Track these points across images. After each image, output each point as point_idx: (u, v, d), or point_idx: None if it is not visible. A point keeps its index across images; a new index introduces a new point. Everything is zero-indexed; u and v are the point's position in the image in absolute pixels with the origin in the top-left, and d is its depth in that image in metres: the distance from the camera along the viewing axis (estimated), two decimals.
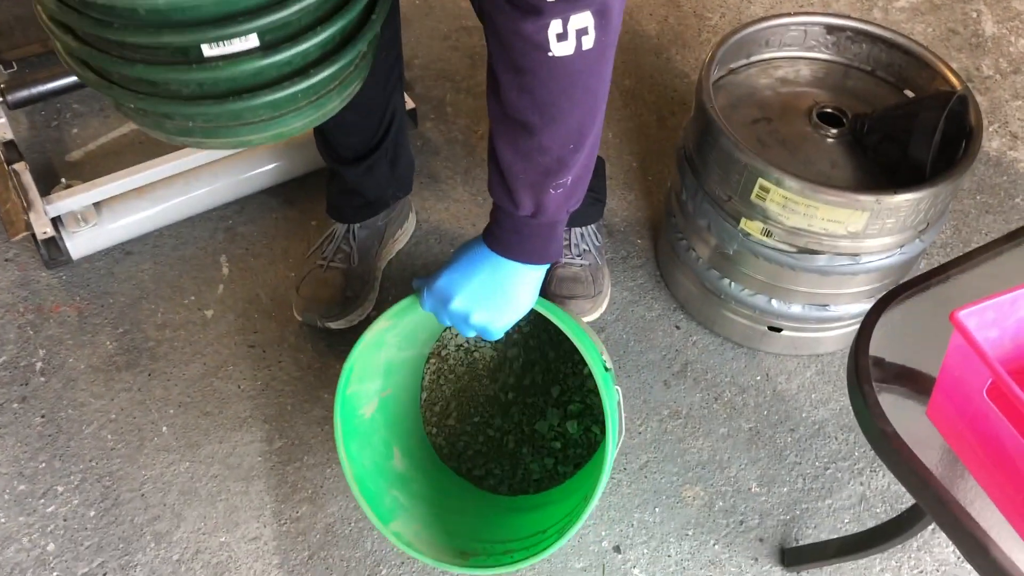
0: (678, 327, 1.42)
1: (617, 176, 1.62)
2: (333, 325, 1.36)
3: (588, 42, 0.75)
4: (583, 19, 0.74)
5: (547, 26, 0.74)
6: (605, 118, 0.96)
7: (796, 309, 1.30)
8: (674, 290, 1.45)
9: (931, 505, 0.74)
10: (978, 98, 1.68)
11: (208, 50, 0.73)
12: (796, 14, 1.34)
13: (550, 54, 0.75)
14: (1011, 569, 0.68)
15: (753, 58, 1.34)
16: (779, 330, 1.34)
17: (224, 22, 0.72)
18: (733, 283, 1.31)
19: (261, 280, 1.46)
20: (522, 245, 0.90)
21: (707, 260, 1.33)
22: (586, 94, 0.80)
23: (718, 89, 1.29)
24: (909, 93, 1.31)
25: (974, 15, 1.99)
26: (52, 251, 1.42)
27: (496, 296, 0.92)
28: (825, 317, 1.31)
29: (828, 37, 1.34)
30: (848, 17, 1.34)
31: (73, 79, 1.45)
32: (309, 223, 1.54)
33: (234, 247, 1.50)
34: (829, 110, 1.27)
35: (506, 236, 0.90)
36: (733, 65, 1.33)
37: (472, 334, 0.96)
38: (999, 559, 0.69)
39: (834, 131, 1.24)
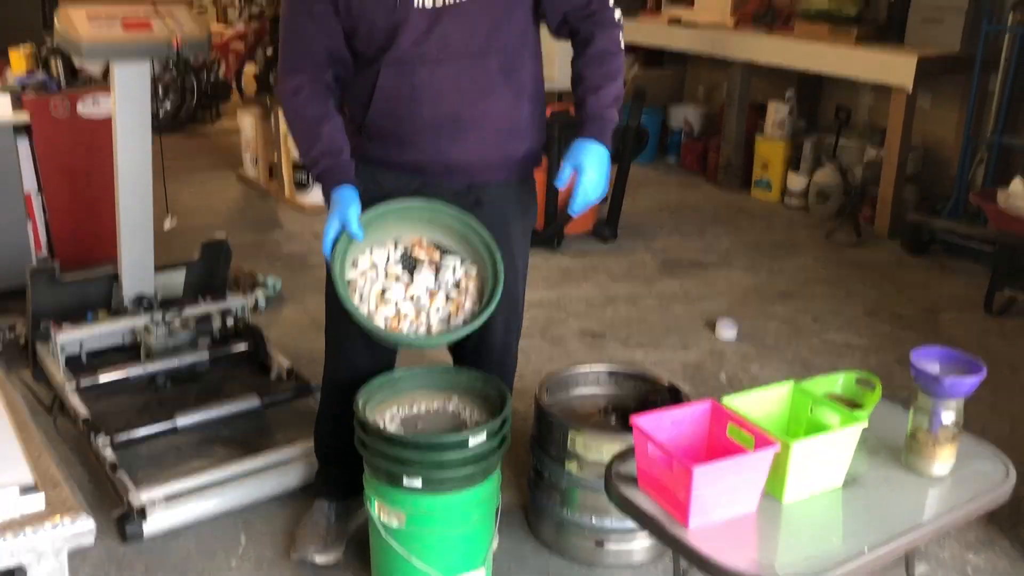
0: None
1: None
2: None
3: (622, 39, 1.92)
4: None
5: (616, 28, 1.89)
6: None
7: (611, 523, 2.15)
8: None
9: (647, 524, 1.58)
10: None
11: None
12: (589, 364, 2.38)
13: (618, 36, 1.90)
14: (682, 537, 1.52)
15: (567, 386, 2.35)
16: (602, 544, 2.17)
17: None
18: (568, 509, 2.17)
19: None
20: (606, 135, 1.85)
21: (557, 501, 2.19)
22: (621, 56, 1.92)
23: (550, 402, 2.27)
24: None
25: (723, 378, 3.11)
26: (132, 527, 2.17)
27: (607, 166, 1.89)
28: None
29: (608, 376, 2.38)
30: (615, 363, 2.39)
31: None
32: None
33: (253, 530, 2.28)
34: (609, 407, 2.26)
35: (603, 133, 1.84)
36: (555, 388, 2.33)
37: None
38: (676, 535, 1.52)
39: (613, 416, 2.22)
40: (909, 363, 1.65)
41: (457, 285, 1.90)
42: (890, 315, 3.76)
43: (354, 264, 1.89)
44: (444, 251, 1.94)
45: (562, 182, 1.84)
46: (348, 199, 1.80)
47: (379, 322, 1.83)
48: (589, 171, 1.83)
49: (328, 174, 1.83)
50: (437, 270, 1.91)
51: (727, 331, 3.51)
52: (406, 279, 1.89)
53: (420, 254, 1.92)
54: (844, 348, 3.45)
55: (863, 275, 4.21)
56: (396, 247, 1.93)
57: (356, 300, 1.85)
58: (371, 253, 1.90)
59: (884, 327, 3.64)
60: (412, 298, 1.87)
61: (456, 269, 1.91)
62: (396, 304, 1.86)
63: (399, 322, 1.85)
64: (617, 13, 1.94)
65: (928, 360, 1.66)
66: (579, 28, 1.92)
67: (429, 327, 1.86)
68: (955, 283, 4.13)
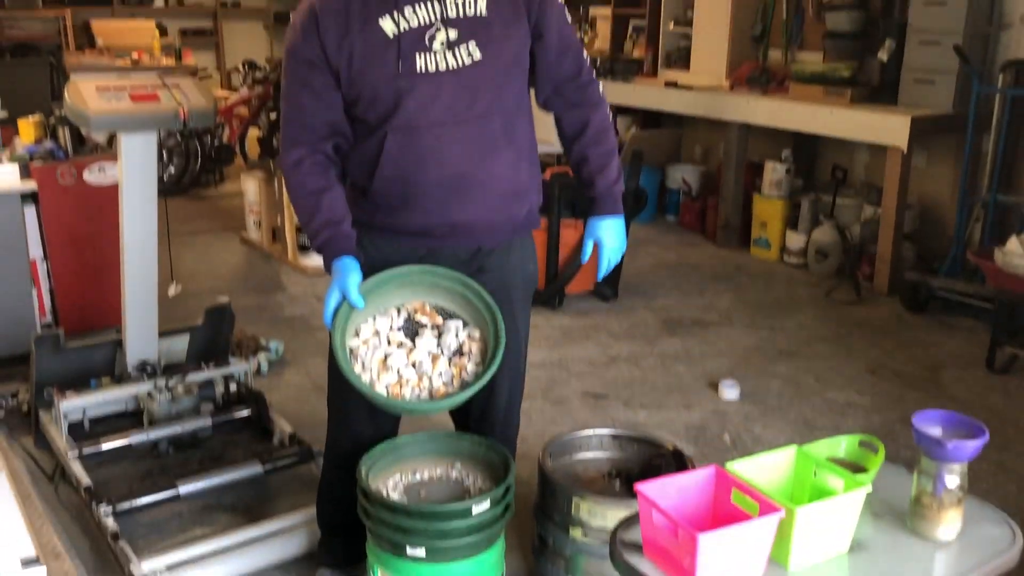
0: None
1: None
2: None
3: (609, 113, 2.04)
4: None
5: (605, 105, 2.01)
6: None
7: None
8: None
9: None
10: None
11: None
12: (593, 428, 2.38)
13: (607, 112, 1.99)
14: None
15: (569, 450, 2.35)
16: None
17: None
18: None
19: None
20: (619, 206, 2.03)
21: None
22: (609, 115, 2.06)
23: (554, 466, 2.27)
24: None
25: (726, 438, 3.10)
26: None
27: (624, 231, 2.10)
28: None
29: (612, 440, 2.37)
30: (618, 427, 2.39)
31: None
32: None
33: None
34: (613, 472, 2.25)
35: (616, 205, 2.02)
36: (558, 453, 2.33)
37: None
38: None
39: (617, 480, 2.21)
40: (911, 423, 1.66)
41: (460, 348, 1.92)
42: (892, 373, 3.76)
43: (356, 333, 1.90)
44: (447, 315, 1.96)
45: (586, 257, 2.08)
46: (348, 269, 1.82)
47: (381, 389, 1.84)
48: (609, 241, 2.07)
49: (329, 245, 1.85)
50: (440, 334, 1.93)
51: (729, 391, 3.51)
52: (408, 345, 1.90)
53: (422, 319, 1.94)
54: (847, 407, 3.45)
55: (864, 333, 4.22)
56: (399, 313, 1.94)
57: (358, 368, 1.86)
58: (374, 321, 1.92)
59: (886, 386, 3.64)
60: (414, 364, 1.88)
61: (459, 332, 1.93)
62: (398, 370, 1.87)
63: (401, 388, 1.85)
64: (601, 87, 2.05)
65: (930, 423, 1.67)
66: (571, 108, 2.01)
67: (432, 391, 1.87)
68: (956, 340, 4.14)
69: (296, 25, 1.85)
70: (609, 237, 2.06)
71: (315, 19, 1.81)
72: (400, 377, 1.87)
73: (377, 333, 1.91)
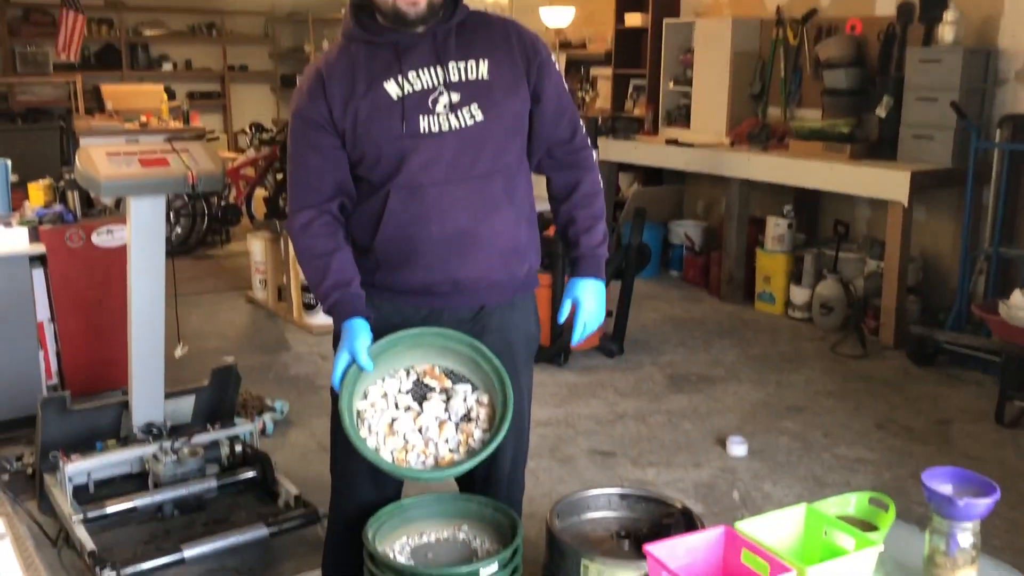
0: None
1: None
2: None
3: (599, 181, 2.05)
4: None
5: (596, 171, 2.02)
6: None
7: None
8: None
9: None
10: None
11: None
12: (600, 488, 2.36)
13: (598, 178, 2.02)
14: None
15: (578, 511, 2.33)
16: None
17: None
18: None
19: None
20: (601, 270, 2.00)
21: None
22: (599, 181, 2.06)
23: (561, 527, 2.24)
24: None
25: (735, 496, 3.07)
26: None
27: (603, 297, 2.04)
28: None
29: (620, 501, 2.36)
30: (625, 486, 2.37)
31: None
32: None
33: None
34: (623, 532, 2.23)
35: (598, 268, 1.98)
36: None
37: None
38: None
39: (626, 541, 2.19)
40: (922, 480, 1.65)
41: (468, 414, 1.91)
42: (901, 428, 3.74)
43: (365, 395, 1.90)
44: (456, 378, 1.96)
45: (563, 317, 2.01)
46: (358, 331, 1.83)
47: (386, 455, 1.83)
48: (587, 303, 2.01)
49: (339, 306, 1.86)
50: (448, 398, 1.92)
51: (737, 448, 3.48)
52: (416, 409, 1.90)
53: (431, 382, 1.93)
54: (856, 463, 3.42)
55: (871, 387, 4.20)
56: (408, 375, 1.94)
57: (364, 432, 1.85)
58: (383, 383, 1.92)
59: (895, 441, 3.61)
60: (420, 429, 1.87)
61: (467, 397, 1.92)
62: (404, 435, 1.86)
63: (407, 454, 1.84)
64: (595, 154, 2.08)
65: (940, 480, 1.66)
66: (563, 169, 2.03)
67: (437, 458, 1.85)
68: (964, 394, 4.12)
69: (303, 89, 1.89)
70: (588, 299, 2.01)
71: (322, 82, 1.86)
72: (406, 443, 1.85)
73: (385, 395, 1.91)
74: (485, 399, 1.92)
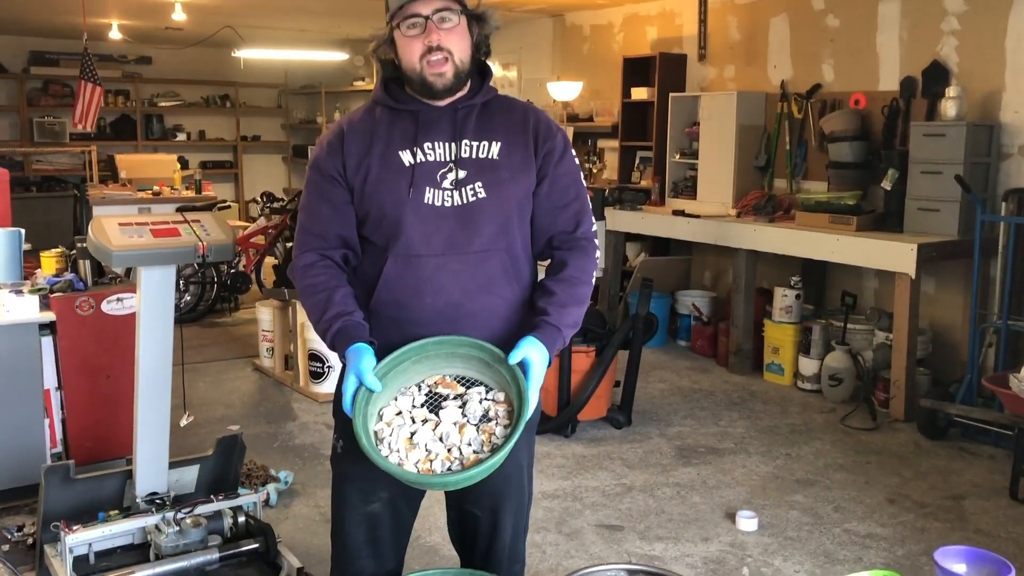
0: None
1: None
2: None
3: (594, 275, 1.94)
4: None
5: (596, 248, 1.97)
6: None
7: None
8: None
9: None
10: None
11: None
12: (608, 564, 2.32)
13: (597, 256, 1.96)
14: None
15: None
16: None
17: None
18: None
19: None
20: (555, 348, 1.86)
21: None
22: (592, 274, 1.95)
23: None
24: None
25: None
26: None
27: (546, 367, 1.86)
28: None
29: None
30: (635, 563, 2.33)
31: None
32: None
33: None
34: None
35: (554, 344, 1.85)
36: None
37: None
38: None
39: None
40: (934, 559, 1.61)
41: (486, 414, 1.86)
42: (913, 503, 3.68)
43: (380, 416, 1.88)
44: (468, 384, 1.93)
45: (512, 360, 1.81)
46: (362, 354, 1.82)
47: (410, 468, 1.80)
48: (536, 367, 1.82)
49: (341, 335, 1.85)
50: (464, 403, 1.89)
51: (747, 522, 3.43)
52: (434, 419, 1.86)
53: (444, 390, 1.90)
54: (868, 539, 3.36)
55: (882, 461, 4.15)
56: (420, 390, 1.91)
57: (385, 451, 1.82)
58: (396, 402, 1.89)
59: (907, 516, 3.55)
60: (441, 437, 1.83)
61: (483, 399, 1.89)
62: (425, 445, 1.81)
63: (431, 463, 1.80)
64: (598, 252, 2.01)
65: (954, 559, 1.63)
66: (559, 250, 1.98)
67: (463, 461, 1.80)
68: (977, 468, 4.06)
69: (323, 141, 1.96)
70: (538, 363, 1.82)
71: (342, 138, 1.93)
72: (428, 452, 1.81)
73: (400, 413, 1.87)
74: (501, 396, 1.88)
